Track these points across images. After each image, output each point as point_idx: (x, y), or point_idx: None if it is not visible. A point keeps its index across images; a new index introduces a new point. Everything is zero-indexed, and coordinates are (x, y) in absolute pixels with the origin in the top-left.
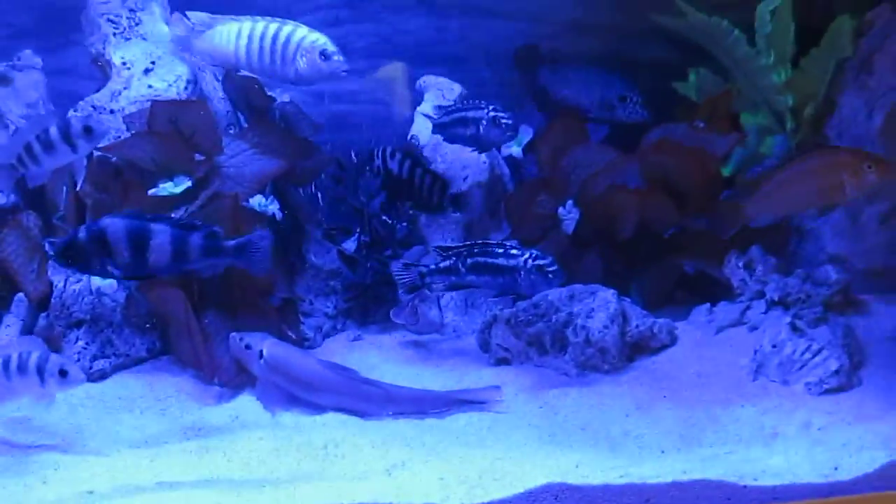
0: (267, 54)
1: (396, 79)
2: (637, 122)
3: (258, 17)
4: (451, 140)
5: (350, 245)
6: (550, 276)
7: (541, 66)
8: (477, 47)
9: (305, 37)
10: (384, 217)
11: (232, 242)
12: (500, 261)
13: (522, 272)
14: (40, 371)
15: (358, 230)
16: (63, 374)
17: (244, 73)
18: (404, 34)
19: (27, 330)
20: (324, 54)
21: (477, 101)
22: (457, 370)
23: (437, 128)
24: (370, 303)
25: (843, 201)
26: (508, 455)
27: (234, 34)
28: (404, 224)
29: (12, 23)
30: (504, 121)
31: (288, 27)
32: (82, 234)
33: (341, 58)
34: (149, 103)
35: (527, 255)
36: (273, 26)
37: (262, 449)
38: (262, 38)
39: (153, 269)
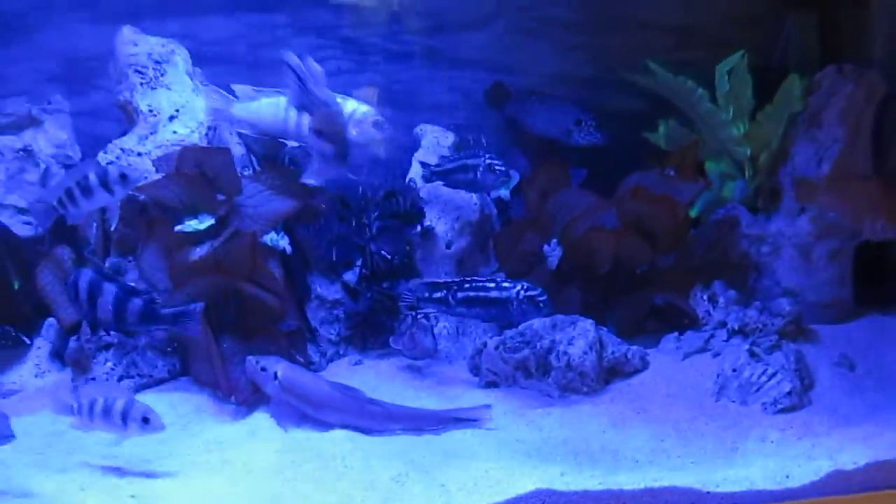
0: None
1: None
2: (593, 144)
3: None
4: (451, 185)
5: (351, 277)
6: (541, 305)
7: (507, 101)
8: (466, 96)
9: (357, 109)
10: (382, 252)
11: (168, 311)
12: (493, 293)
13: (515, 302)
14: (124, 416)
15: (359, 263)
16: (146, 420)
17: None
18: (400, 83)
19: (56, 353)
20: (376, 124)
21: (474, 150)
22: (450, 392)
23: (440, 174)
24: (369, 331)
25: None
26: (499, 466)
27: (282, 106)
28: (401, 258)
29: (40, 68)
30: (498, 167)
31: (340, 97)
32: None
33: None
34: (174, 147)
35: (518, 287)
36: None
37: (279, 460)
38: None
39: (99, 323)
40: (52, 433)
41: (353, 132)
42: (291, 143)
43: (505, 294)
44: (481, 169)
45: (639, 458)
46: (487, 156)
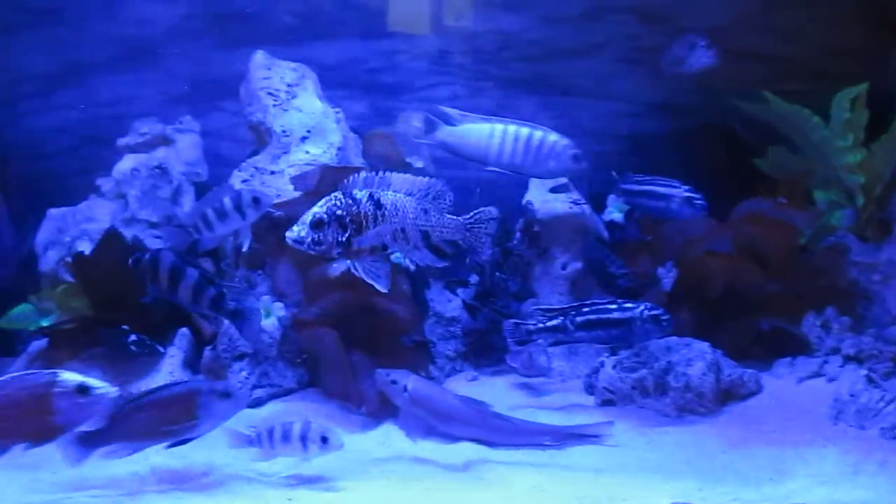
0: (520, 154)
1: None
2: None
3: (506, 119)
4: (635, 207)
5: (467, 295)
6: (664, 324)
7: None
8: (573, 122)
9: (557, 141)
10: (498, 273)
11: (231, 305)
12: (615, 314)
13: (638, 322)
14: (303, 438)
15: (476, 282)
16: (324, 440)
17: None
18: (511, 109)
19: (188, 361)
20: (575, 158)
21: (668, 179)
22: (566, 409)
23: (623, 192)
24: (484, 348)
25: None
26: (628, 481)
27: (486, 133)
28: (517, 278)
29: (168, 91)
30: (697, 201)
31: (539, 132)
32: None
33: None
34: (307, 167)
35: (641, 307)
36: (525, 130)
37: (413, 469)
38: (515, 139)
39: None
40: None
41: (550, 164)
42: (417, 164)
43: (628, 314)
44: (678, 199)
45: (762, 479)
46: (686, 188)
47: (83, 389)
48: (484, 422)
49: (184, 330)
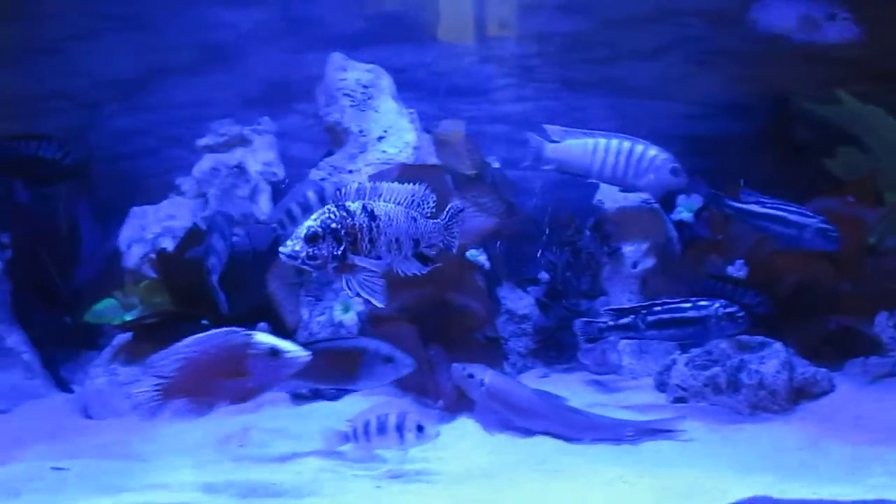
0: (621, 167)
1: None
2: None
3: (610, 134)
4: (756, 229)
5: (538, 293)
6: (740, 321)
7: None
8: (639, 124)
9: (657, 155)
10: (568, 274)
11: None
12: (690, 313)
13: (713, 320)
14: (399, 429)
15: (547, 280)
16: (420, 429)
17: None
18: (578, 111)
19: None
20: (674, 171)
21: (799, 206)
22: (638, 405)
23: (744, 213)
24: (555, 345)
25: None
26: (705, 475)
27: (590, 148)
28: (587, 277)
29: (244, 92)
30: (831, 233)
31: (640, 146)
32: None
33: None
34: (384, 166)
35: (716, 305)
36: (626, 144)
37: (490, 461)
38: (617, 153)
39: None
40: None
41: (650, 177)
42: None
43: (703, 312)
44: (812, 230)
45: (839, 476)
46: (819, 218)
47: (275, 352)
48: (560, 416)
49: (262, 324)
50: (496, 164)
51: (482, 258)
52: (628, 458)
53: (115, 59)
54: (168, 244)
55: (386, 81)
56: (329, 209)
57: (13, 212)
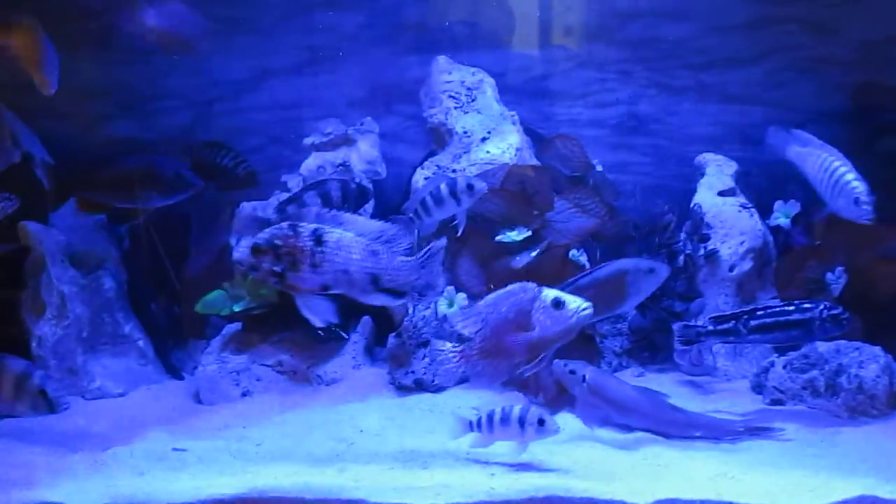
0: (828, 187)
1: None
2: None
3: (839, 154)
4: None
5: None
6: (844, 323)
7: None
8: (734, 130)
9: (850, 182)
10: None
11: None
12: (794, 316)
13: (817, 322)
14: (521, 421)
15: None
16: (541, 423)
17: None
18: (674, 115)
19: (369, 348)
20: (856, 201)
21: None
22: (735, 407)
23: None
24: (650, 346)
25: None
26: (810, 474)
27: (816, 163)
28: (684, 279)
29: (347, 94)
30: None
31: (842, 169)
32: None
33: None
34: (487, 166)
35: (821, 307)
36: (836, 163)
37: (593, 455)
38: (826, 169)
39: None
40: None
41: (840, 201)
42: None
43: (808, 315)
44: None
45: None
46: None
47: (558, 304)
48: (660, 413)
49: (366, 317)
50: (599, 167)
51: (583, 258)
52: (728, 457)
53: (226, 60)
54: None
55: (489, 83)
56: (281, 226)
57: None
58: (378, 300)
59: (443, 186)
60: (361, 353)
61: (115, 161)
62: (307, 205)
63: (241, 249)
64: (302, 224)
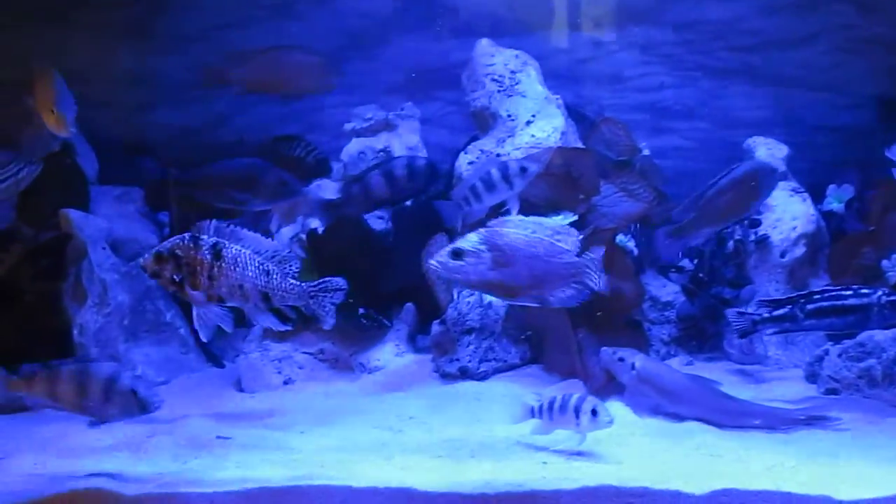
0: None
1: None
2: None
3: None
4: None
5: (680, 280)
6: None
7: None
8: (785, 113)
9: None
10: (714, 261)
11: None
12: (851, 301)
13: (875, 308)
14: (577, 411)
15: (693, 268)
16: (594, 413)
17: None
18: (719, 99)
19: (411, 335)
20: None
21: None
22: (788, 396)
23: None
24: (698, 334)
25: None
26: (870, 464)
27: None
28: (733, 266)
29: (387, 80)
30: None
31: None
32: None
33: None
34: (532, 150)
35: (879, 293)
36: None
37: (642, 444)
38: None
39: None
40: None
41: None
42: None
43: (865, 301)
44: None
45: None
46: None
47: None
48: (713, 402)
49: (409, 305)
50: (646, 151)
51: (630, 244)
52: (784, 447)
53: (264, 45)
54: (318, 225)
55: (533, 66)
56: (184, 236)
57: (173, 193)
58: (269, 320)
59: (494, 171)
60: (404, 340)
61: (221, 162)
62: (371, 185)
63: (145, 256)
64: (203, 237)
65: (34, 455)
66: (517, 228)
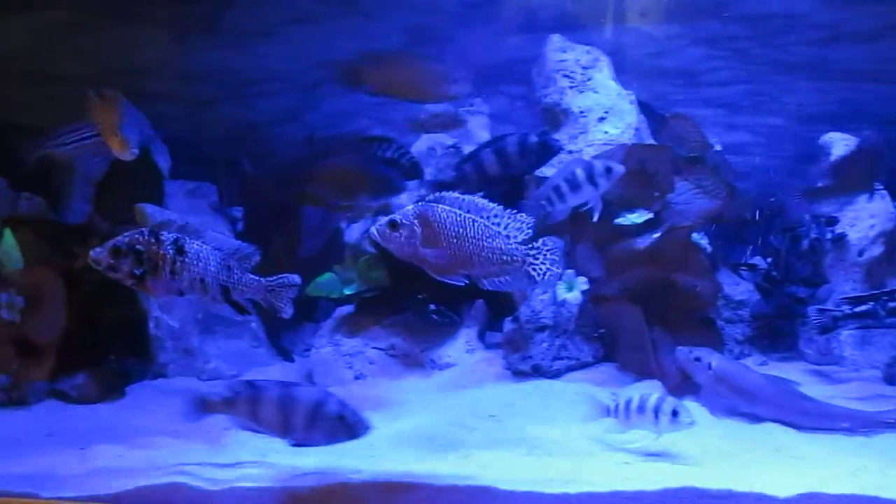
0: None
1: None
2: None
3: None
4: None
5: (753, 278)
6: None
7: None
8: (857, 108)
9: None
10: (791, 259)
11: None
12: None
13: None
14: (656, 411)
15: (767, 266)
16: (675, 414)
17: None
18: (790, 94)
19: (481, 332)
20: None
21: None
22: (866, 398)
23: None
24: (772, 333)
25: None
26: None
27: None
28: (808, 264)
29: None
30: None
31: None
32: None
33: None
34: (605, 146)
35: None
36: None
37: (720, 445)
38: None
39: None
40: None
41: None
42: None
43: None
44: None
45: None
46: None
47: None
48: (791, 403)
49: (480, 301)
50: (718, 147)
51: (704, 241)
52: (866, 450)
53: (332, 42)
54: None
55: (605, 62)
56: (143, 231)
57: (245, 188)
58: (226, 311)
59: (578, 171)
60: (475, 337)
61: (334, 157)
62: (483, 163)
63: (98, 249)
64: (163, 232)
65: (116, 446)
66: (451, 207)
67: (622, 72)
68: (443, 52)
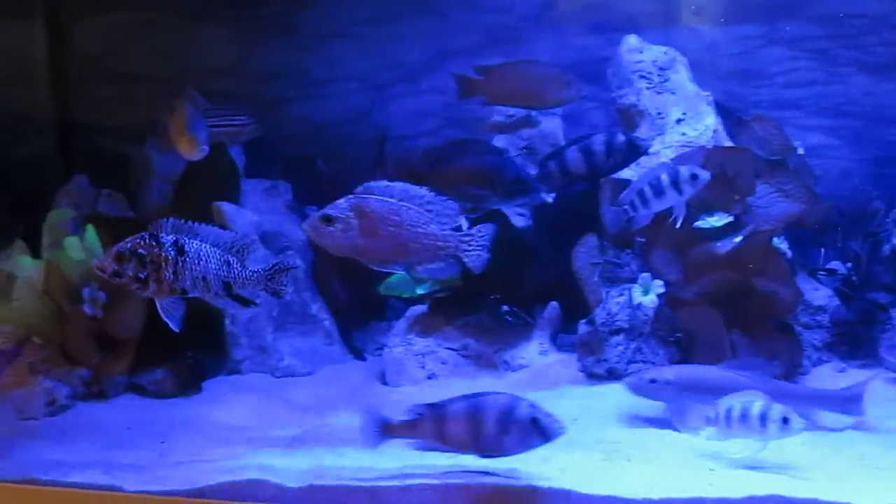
0: None
1: None
2: None
3: None
4: None
5: (832, 284)
6: None
7: None
8: None
9: None
10: (873, 265)
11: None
12: None
13: None
14: (763, 418)
15: (846, 271)
16: (785, 421)
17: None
18: (872, 96)
19: (554, 334)
20: None
21: None
22: None
23: None
24: (852, 340)
25: None
26: None
27: None
28: (890, 270)
29: None
30: None
31: None
32: None
33: None
34: (683, 148)
35: None
36: None
37: (802, 453)
38: None
39: None
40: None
41: None
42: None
43: None
44: None
45: None
46: None
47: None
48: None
49: (554, 303)
50: (801, 150)
51: (783, 245)
52: None
53: (403, 42)
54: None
55: (682, 63)
56: (143, 235)
57: (321, 186)
58: (229, 305)
59: (663, 176)
60: (548, 339)
61: (464, 156)
62: (568, 160)
63: (102, 257)
64: (162, 234)
65: (194, 442)
66: (382, 195)
67: (699, 73)
68: (516, 51)
